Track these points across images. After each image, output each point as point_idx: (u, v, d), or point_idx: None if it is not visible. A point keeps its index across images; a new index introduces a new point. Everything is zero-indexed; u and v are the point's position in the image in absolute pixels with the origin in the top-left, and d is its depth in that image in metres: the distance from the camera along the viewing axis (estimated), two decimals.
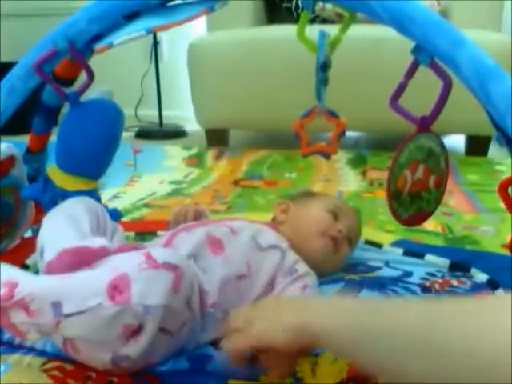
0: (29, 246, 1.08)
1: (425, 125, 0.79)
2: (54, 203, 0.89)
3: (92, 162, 0.92)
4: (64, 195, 0.89)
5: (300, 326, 0.59)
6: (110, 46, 0.82)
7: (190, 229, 0.89)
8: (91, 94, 0.95)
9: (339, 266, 0.99)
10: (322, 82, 0.83)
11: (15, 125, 0.97)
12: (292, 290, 0.84)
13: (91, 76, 0.88)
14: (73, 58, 0.85)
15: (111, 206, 1.49)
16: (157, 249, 0.76)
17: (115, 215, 0.94)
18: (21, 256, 1.03)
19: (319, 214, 0.96)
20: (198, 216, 1.01)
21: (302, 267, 0.88)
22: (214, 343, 0.78)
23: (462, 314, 0.47)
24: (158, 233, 1.15)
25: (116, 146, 0.95)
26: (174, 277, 0.67)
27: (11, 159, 1.01)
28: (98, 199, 0.95)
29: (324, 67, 0.81)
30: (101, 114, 0.90)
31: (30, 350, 0.77)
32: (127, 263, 0.67)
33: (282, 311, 0.62)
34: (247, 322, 0.64)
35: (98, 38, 0.83)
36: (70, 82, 0.98)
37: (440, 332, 0.46)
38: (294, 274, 0.86)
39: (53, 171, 0.95)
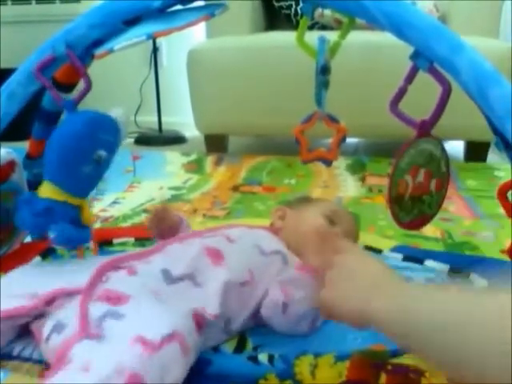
0: (28, 251, 1.09)
1: (425, 129, 0.79)
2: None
3: (58, 171, 0.87)
4: (30, 201, 0.87)
5: (361, 313, 0.62)
6: (111, 51, 0.82)
7: (184, 240, 0.88)
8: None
9: None
10: (322, 86, 0.83)
11: (15, 131, 0.98)
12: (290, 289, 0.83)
13: (89, 83, 0.87)
14: (72, 64, 0.85)
15: (111, 211, 1.50)
16: (144, 322, 0.67)
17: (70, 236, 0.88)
18: (20, 261, 1.03)
19: (315, 219, 0.96)
20: (174, 225, 0.99)
21: None
22: (215, 347, 0.78)
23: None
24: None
25: (88, 159, 0.87)
26: (180, 344, 0.65)
27: (11, 164, 1.01)
28: (69, 217, 0.88)
29: (324, 72, 0.81)
30: (74, 124, 0.86)
31: (28, 359, 0.77)
32: (128, 358, 0.61)
33: (357, 286, 0.65)
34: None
35: (98, 43, 0.84)
36: (70, 87, 0.98)
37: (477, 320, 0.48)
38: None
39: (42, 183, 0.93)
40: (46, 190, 0.87)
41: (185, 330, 0.68)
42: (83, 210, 0.90)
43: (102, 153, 0.87)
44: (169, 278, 0.78)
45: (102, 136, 0.88)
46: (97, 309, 0.69)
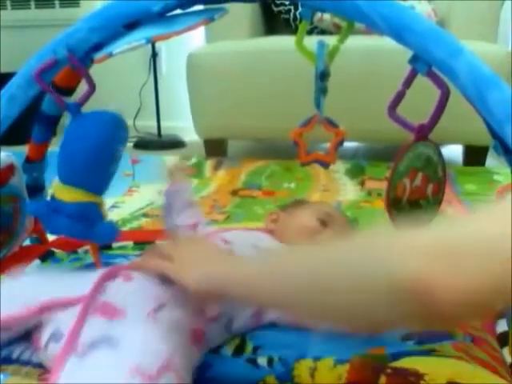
0: (27, 254, 1.09)
1: (423, 133, 0.80)
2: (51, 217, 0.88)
3: (86, 173, 0.88)
4: (61, 207, 0.88)
5: (208, 275, 0.67)
6: (110, 55, 0.82)
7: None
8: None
9: None
10: (322, 90, 0.83)
11: (15, 135, 0.98)
12: None
13: (92, 86, 0.88)
14: (73, 67, 0.85)
15: (110, 215, 1.50)
16: (135, 352, 0.65)
17: (108, 233, 0.91)
18: (20, 264, 1.03)
19: (307, 221, 0.96)
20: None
21: None
22: (215, 350, 0.78)
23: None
24: (157, 242, 1.15)
25: (113, 157, 0.91)
26: (175, 374, 0.64)
27: (10, 168, 1.02)
28: (99, 215, 0.90)
29: (323, 76, 0.81)
30: (96, 125, 0.89)
31: (27, 363, 0.76)
32: None
33: (196, 258, 0.72)
34: (167, 256, 0.74)
35: (97, 47, 0.84)
36: (69, 91, 0.98)
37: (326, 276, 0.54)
38: None
39: (55, 184, 0.94)
40: (71, 194, 0.88)
41: (179, 356, 0.67)
42: (102, 205, 0.93)
43: (121, 149, 0.90)
44: (166, 281, 0.77)
45: (121, 133, 0.90)
46: (92, 329, 0.67)
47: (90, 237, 0.90)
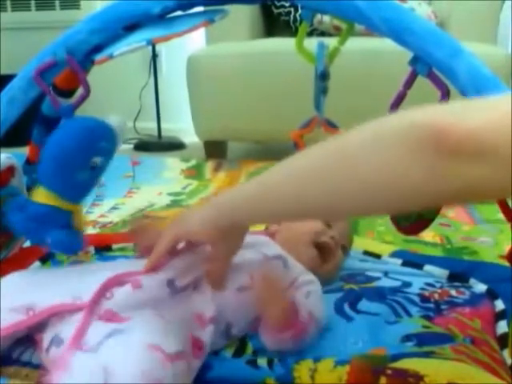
0: (27, 255, 1.09)
1: None
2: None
3: (53, 177, 0.86)
4: (25, 206, 0.86)
5: (214, 217, 0.68)
6: (110, 56, 0.82)
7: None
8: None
9: (336, 272, 0.99)
10: (321, 91, 0.83)
11: (15, 137, 0.98)
12: (295, 298, 0.83)
13: (87, 90, 0.87)
14: (72, 69, 0.85)
15: (110, 217, 1.50)
16: (151, 333, 0.66)
17: (66, 242, 0.87)
18: (20, 266, 1.03)
19: (312, 222, 0.96)
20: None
21: (304, 276, 0.88)
22: (215, 352, 0.78)
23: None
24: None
25: (86, 166, 0.86)
26: (187, 362, 0.65)
27: (11, 169, 1.02)
28: (64, 222, 0.87)
29: (323, 77, 0.81)
30: (73, 131, 0.85)
31: (27, 363, 0.76)
32: (150, 365, 0.60)
33: (194, 214, 0.73)
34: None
35: (98, 49, 0.84)
36: (69, 93, 0.98)
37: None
38: (295, 283, 0.86)
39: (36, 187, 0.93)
40: (40, 195, 0.86)
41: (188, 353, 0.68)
42: (76, 215, 0.89)
43: (98, 159, 0.86)
44: (173, 289, 0.76)
45: (99, 143, 0.87)
46: (98, 329, 0.67)
47: (44, 241, 0.86)
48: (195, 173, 2.06)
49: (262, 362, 0.76)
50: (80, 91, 0.91)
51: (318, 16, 2.11)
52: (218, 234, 0.69)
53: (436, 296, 0.95)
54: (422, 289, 0.97)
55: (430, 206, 0.48)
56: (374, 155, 0.47)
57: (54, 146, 0.85)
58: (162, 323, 0.69)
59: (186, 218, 0.74)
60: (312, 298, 0.84)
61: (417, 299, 0.93)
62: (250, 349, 0.80)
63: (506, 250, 0.85)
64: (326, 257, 0.95)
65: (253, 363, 0.76)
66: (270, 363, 0.75)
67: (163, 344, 0.63)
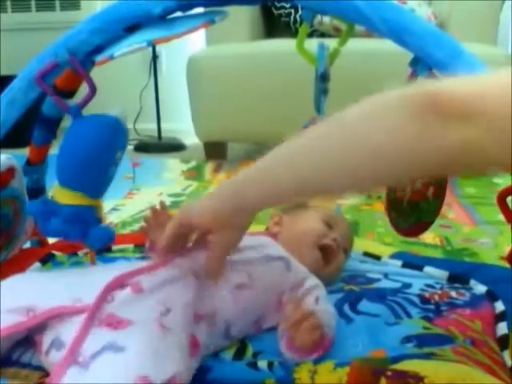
0: (27, 256, 1.09)
1: None
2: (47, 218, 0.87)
3: (84, 177, 0.87)
4: (57, 209, 0.87)
5: (215, 204, 0.69)
6: (111, 57, 0.82)
7: (187, 253, 0.85)
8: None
9: (337, 274, 0.99)
10: (322, 93, 0.83)
11: (15, 138, 0.98)
12: (305, 303, 0.82)
13: (93, 88, 0.87)
14: (74, 69, 0.85)
15: (110, 218, 1.50)
16: (143, 361, 0.64)
17: (102, 237, 0.89)
18: (20, 267, 1.03)
19: (314, 224, 0.96)
20: None
21: (311, 280, 0.88)
22: (215, 354, 0.78)
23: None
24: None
25: (112, 161, 0.90)
26: None
27: (11, 171, 1.02)
28: (95, 218, 0.89)
29: (323, 78, 0.81)
30: (97, 128, 0.87)
31: (27, 365, 0.76)
32: None
33: (198, 202, 0.73)
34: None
35: (98, 49, 0.84)
36: (70, 94, 0.98)
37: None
38: (302, 288, 0.86)
39: (54, 187, 0.93)
40: (66, 196, 0.87)
41: (182, 369, 0.67)
42: (99, 209, 0.91)
43: (120, 154, 0.89)
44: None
45: (121, 138, 0.89)
46: (97, 337, 0.67)
47: (84, 240, 0.89)
48: (195, 174, 2.06)
49: (262, 364, 0.76)
50: (81, 91, 0.91)
51: (318, 17, 2.11)
52: (219, 221, 0.69)
53: (436, 297, 0.94)
54: (422, 290, 0.97)
55: (429, 171, 0.50)
56: (372, 125, 0.50)
57: (79, 146, 0.86)
58: (159, 337, 0.68)
59: (190, 207, 0.75)
60: (320, 303, 0.83)
61: (417, 300, 0.93)
62: (250, 351, 0.80)
63: (506, 251, 0.85)
64: (328, 259, 0.95)
65: (253, 365, 0.76)
66: (270, 365, 0.75)
67: (152, 374, 0.62)
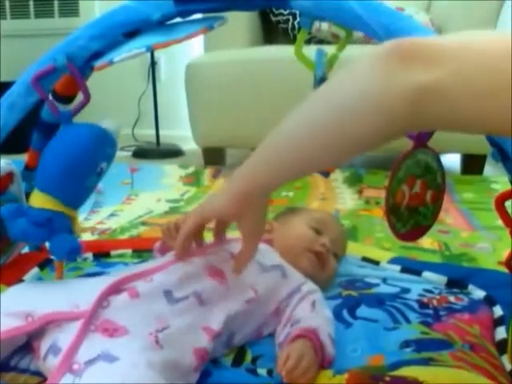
0: (26, 261, 1.08)
1: (422, 140, 0.80)
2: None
3: (60, 183, 0.85)
4: (26, 212, 0.85)
5: (231, 191, 0.71)
6: (110, 63, 0.82)
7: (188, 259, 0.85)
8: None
9: (330, 280, 1.00)
10: None
11: (15, 144, 0.97)
12: (301, 308, 0.83)
13: (88, 96, 0.87)
14: (72, 75, 0.85)
15: (108, 223, 1.50)
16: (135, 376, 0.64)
17: (65, 247, 0.86)
18: (18, 272, 1.03)
19: (301, 230, 0.96)
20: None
21: (307, 286, 0.88)
22: (214, 360, 0.78)
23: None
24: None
25: (92, 172, 0.87)
26: None
27: (10, 175, 1.01)
28: (65, 227, 0.86)
29: (322, 83, 0.82)
30: (79, 136, 0.85)
31: (25, 370, 0.76)
32: None
33: (214, 195, 0.77)
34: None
35: (97, 55, 0.84)
36: (68, 99, 0.98)
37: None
38: (299, 293, 0.86)
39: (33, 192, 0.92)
40: (40, 200, 0.85)
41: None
42: (75, 221, 0.89)
43: (104, 165, 0.87)
44: (171, 299, 0.76)
45: (105, 149, 0.88)
46: (92, 343, 0.67)
47: (49, 248, 0.86)
48: (194, 180, 2.06)
49: (262, 371, 0.76)
50: (79, 97, 0.91)
51: (316, 24, 2.12)
52: (239, 207, 0.71)
53: (435, 302, 0.95)
54: (421, 295, 0.97)
55: (396, 124, 0.51)
56: (347, 80, 0.55)
57: (59, 152, 0.85)
58: (154, 348, 0.68)
59: (208, 200, 0.78)
60: (317, 307, 0.84)
61: (415, 305, 0.93)
62: (249, 356, 0.80)
63: (504, 256, 0.85)
64: (321, 264, 0.95)
65: (252, 372, 0.76)
66: (270, 373, 0.75)
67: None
